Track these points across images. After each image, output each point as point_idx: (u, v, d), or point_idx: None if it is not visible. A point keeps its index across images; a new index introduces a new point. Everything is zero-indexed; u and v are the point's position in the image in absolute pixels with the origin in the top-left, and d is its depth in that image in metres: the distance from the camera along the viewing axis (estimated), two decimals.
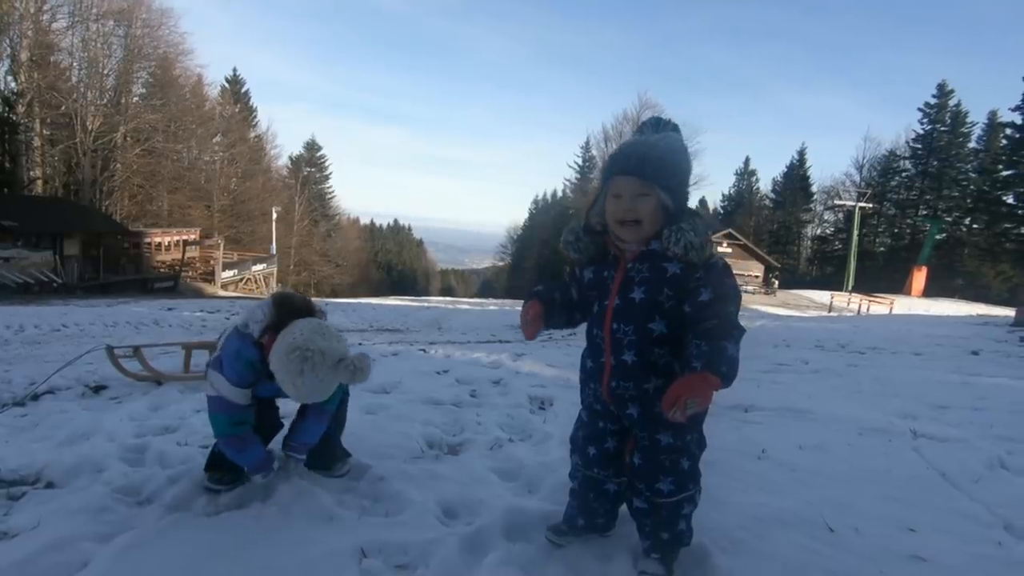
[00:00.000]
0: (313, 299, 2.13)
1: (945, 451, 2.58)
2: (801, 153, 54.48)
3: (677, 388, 1.27)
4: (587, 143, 57.45)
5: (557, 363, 4.91)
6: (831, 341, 9.39)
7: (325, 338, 1.76)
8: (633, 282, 1.47)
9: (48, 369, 3.65)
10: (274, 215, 38.42)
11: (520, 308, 1.64)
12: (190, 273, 29.63)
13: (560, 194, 62.69)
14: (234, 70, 48.28)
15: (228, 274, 30.91)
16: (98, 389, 3.42)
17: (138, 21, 33.12)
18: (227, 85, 46.55)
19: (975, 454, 2.54)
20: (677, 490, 1.52)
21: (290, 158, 54.27)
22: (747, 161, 61.47)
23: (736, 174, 61.32)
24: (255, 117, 48.81)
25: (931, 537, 1.73)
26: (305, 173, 53.52)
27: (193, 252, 30.68)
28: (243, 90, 48.35)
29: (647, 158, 1.44)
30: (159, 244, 29.07)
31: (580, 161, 58.32)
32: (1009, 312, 24.88)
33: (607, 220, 1.52)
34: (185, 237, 30.59)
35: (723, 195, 62.60)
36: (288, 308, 1.86)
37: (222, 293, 27.31)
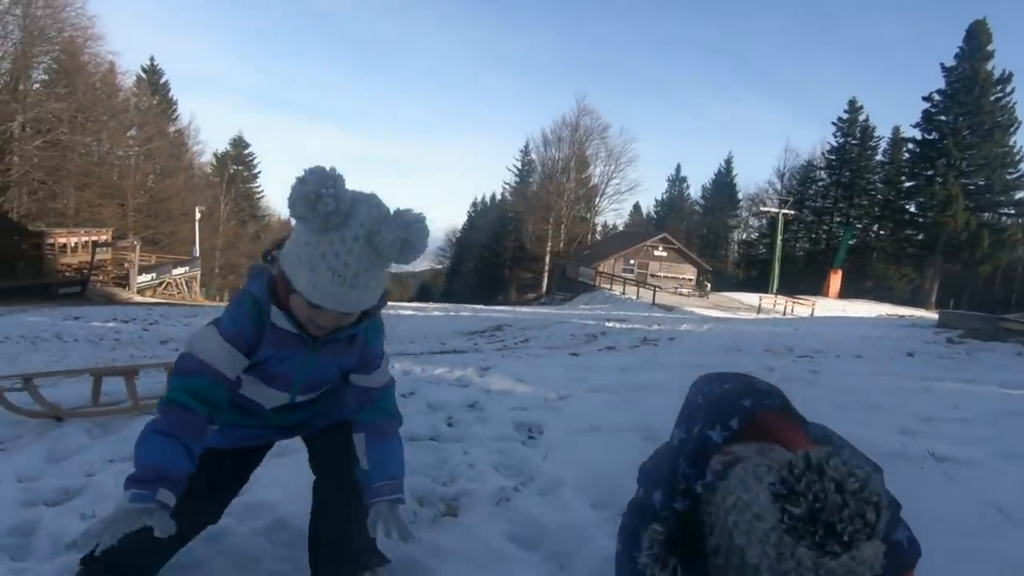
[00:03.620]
0: None
1: (977, 478, 2.39)
2: (728, 162, 57.35)
3: None
4: (526, 146, 57.76)
5: (527, 379, 4.52)
6: (777, 345, 9.52)
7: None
8: None
9: None
10: (197, 215, 35.87)
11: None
12: (100, 277, 27.05)
13: (499, 197, 62.59)
14: (151, 59, 44.99)
15: (145, 278, 28.46)
16: None
17: (39, 0, 30.07)
18: (144, 75, 43.24)
19: (1008, 479, 2.37)
20: None
21: (215, 155, 51.01)
22: (678, 168, 64.18)
23: (668, 180, 63.66)
24: (175, 110, 45.63)
25: None
26: (232, 171, 50.50)
27: (104, 254, 28.06)
28: (162, 81, 45.11)
29: None
30: (64, 245, 26.37)
31: (519, 165, 58.50)
32: (920, 312, 27.03)
33: None
34: (95, 238, 27.92)
35: (656, 200, 64.83)
36: None
37: (138, 299, 25.08)
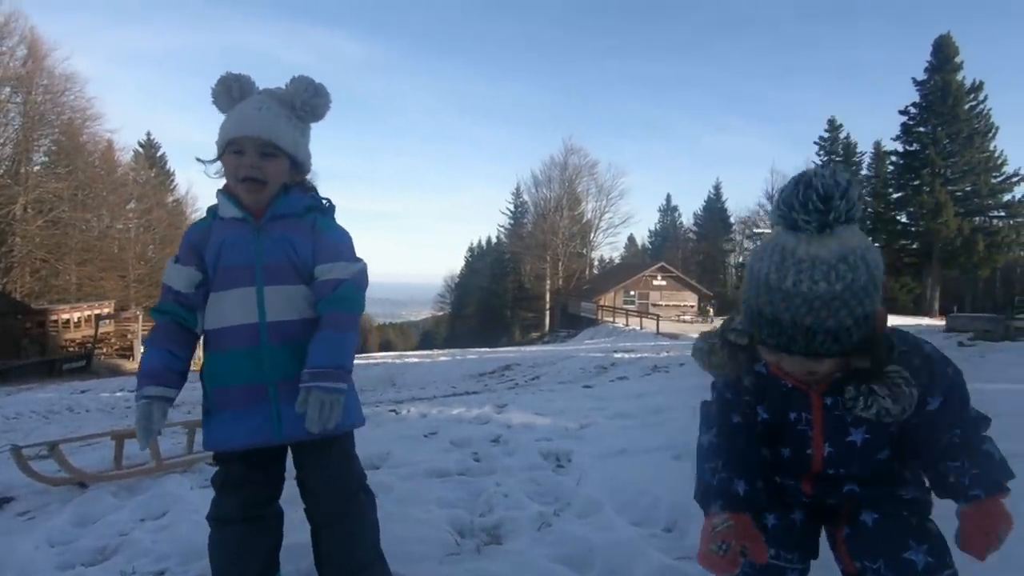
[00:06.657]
0: None
1: None
2: (717, 188, 58.32)
3: (982, 527, 1.06)
4: (518, 189, 58.79)
5: (546, 411, 4.49)
6: None
7: None
8: (845, 422, 1.12)
9: None
10: None
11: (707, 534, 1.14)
12: (104, 350, 27.03)
13: (495, 240, 63.22)
14: (148, 134, 46.31)
15: None
16: (0, 503, 2.69)
17: (38, 88, 31.10)
18: (141, 149, 44.40)
19: None
20: (937, 563, 1.09)
21: None
22: (668, 198, 65.37)
23: (660, 210, 64.59)
24: (173, 180, 46.59)
25: None
26: None
27: (107, 327, 28.13)
28: (159, 154, 46.24)
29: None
30: (67, 321, 26.47)
31: (512, 207, 59.38)
32: (926, 320, 26.95)
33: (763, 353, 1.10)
34: (97, 311, 28.07)
35: (649, 231, 65.69)
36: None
37: None
